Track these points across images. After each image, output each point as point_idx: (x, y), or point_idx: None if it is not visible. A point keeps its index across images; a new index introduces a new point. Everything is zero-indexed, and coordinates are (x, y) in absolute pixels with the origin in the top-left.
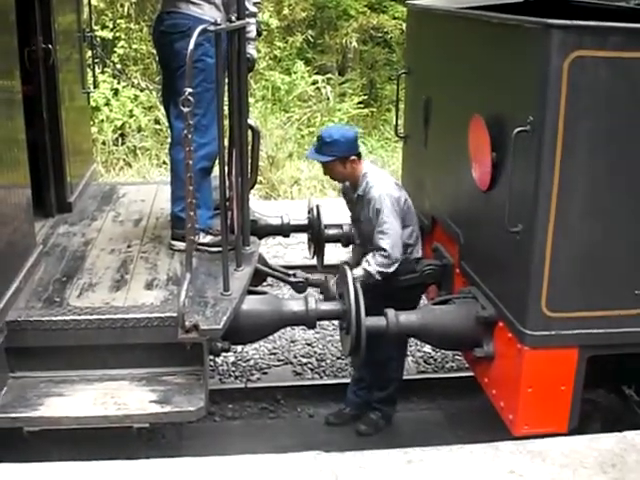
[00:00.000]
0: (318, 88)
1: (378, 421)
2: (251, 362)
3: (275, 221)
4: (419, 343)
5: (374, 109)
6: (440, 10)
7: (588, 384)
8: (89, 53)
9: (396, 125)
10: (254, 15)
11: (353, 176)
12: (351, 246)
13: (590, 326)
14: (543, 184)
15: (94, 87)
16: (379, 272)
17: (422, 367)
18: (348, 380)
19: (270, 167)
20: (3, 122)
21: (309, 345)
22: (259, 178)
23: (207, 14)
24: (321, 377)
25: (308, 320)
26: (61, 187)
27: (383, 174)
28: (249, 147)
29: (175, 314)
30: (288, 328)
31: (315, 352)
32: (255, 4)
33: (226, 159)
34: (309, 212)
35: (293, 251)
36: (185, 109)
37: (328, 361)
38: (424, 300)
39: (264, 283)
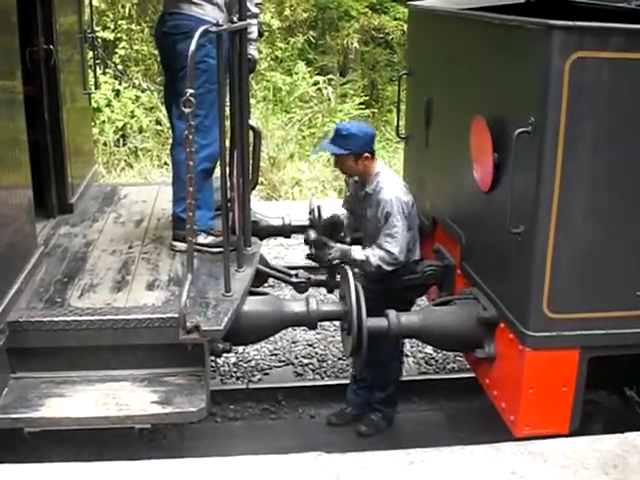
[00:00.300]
0: (319, 89)
1: (379, 422)
2: (252, 363)
3: (276, 222)
4: (420, 344)
5: (375, 110)
6: (441, 11)
7: (590, 385)
8: (90, 54)
9: (397, 126)
10: (256, 16)
11: (364, 173)
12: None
13: (591, 327)
14: (544, 185)
15: (95, 88)
16: (378, 266)
17: (423, 368)
18: (349, 381)
19: (271, 168)
20: (4, 123)
21: (310, 346)
22: (260, 179)
23: (209, 15)
24: (322, 378)
25: (309, 321)
26: (62, 188)
27: (394, 176)
28: (250, 148)
29: (176, 315)
30: (289, 329)
31: (316, 353)
32: (257, 5)
33: (227, 160)
34: (310, 213)
35: (294, 252)
36: (186, 110)
37: (329, 362)
38: (425, 301)
39: (265, 284)
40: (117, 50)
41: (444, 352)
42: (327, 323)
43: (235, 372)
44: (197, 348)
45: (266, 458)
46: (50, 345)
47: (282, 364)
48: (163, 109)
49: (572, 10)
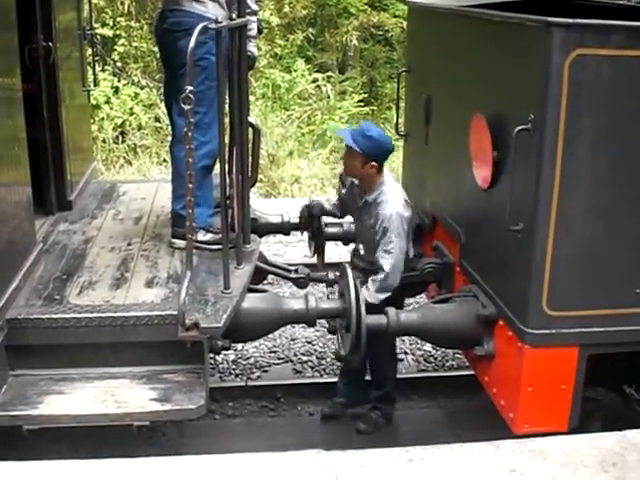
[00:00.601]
0: (318, 86)
1: (378, 419)
2: (251, 360)
3: (275, 219)
4: (419, 341)
5: (374, 107)
6: (441, 8)
7: (588, 383)
8: (89, 51)
9: (397, 123)
10: (255, 13)
11: (365, 179)
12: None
13: (591, 325)
14: (544, 182)
15: (94, 85)
16: (381, 299)
17: (422, 366)
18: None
19: (270, 165)
20: (3, 120)
21: (309, 343)
22: (259, 176)
23: (210, 12)
24: (321, 375)
25: (308, 318)
26: (61, 185)
27: (397, 189)
28: (250, 145)
29: (175, 312)
30: (288, 326)
31: (315, 350)
32: (256, 2)
33: (227, 157)
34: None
35: (293, 249)
36: (186, 107)
37: (328, 359)
38: (424, 299)
39: (264, 281)
40: (116, 47)
41: (443, 350)
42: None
43: (234, 369)
44: (196, 345)
45: (265, 455)
46: (49, 342)
47: (281, 361)
48: (162, 106)
49: (572, 7)
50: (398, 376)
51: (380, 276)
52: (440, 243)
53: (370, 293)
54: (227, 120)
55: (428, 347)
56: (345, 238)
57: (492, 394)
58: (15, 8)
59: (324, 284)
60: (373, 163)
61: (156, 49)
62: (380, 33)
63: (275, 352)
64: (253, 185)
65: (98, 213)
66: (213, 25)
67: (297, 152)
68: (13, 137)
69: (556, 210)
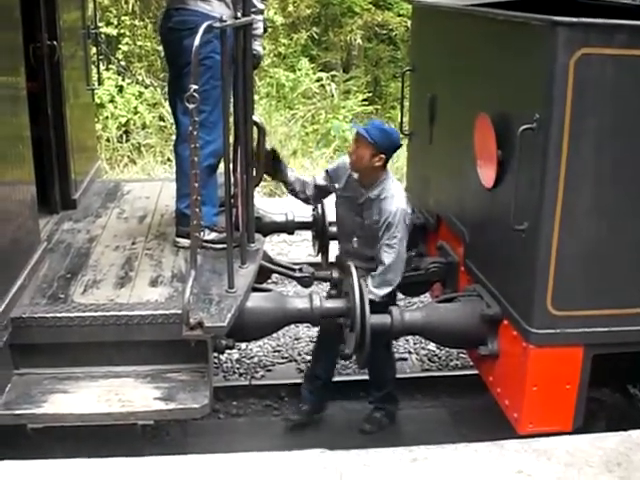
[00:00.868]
0: (322, 85)
1: (382, 419)
2: (255, 359)
3: (279, 218)
4: (423, 341)
5: (378, 106)
6: (445, 7)
7: (593, 383)
8: (94, 50)
9: (401, 122)
10: (261, 12)
11: (370, 173)
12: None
13: (595, 324)
14: (549, 182)
15: (99, 84)
16: (381, 295)
17: (426, 365)
18: (352, 378)
19: None
20: (8, 119)
21: (313, 342)
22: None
23: (216, 11)
24: None
25: (312, 317)
26: (65, 184)
27: (399, 185)
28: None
29: (180, 311)
30: (292, 325)
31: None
32: (262, 1)
33: (231, 156)
34: (314, 209)
35: (297, 248)
36: (190, 106)
37: None
38: (428, 298)
39: (269, 280)
40: (120, 46)
41: (447, 349)
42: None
43: (238, 368)
44: (200, 344)
45: (269, 455)
46: (53, 341)
47: (285, 361)
48: (167, 105)
49: (576, 6)
50: (402, 376)
51: (380, 269)
52: (444, 242)
53: (369, 289)
54: (232, 119)
55: (432, 346)
56: None
57: (496, 394)
58: (19, 6)
59: (328, 283)
60: (382, 155)
61: (160, 48)
62: (384, 32)
63: (279, 351)
64: (258, 184)
65: (102, 212)
66: (218, 24)
67: (301, 151)
68: (17, 136)
69: (561, 209)
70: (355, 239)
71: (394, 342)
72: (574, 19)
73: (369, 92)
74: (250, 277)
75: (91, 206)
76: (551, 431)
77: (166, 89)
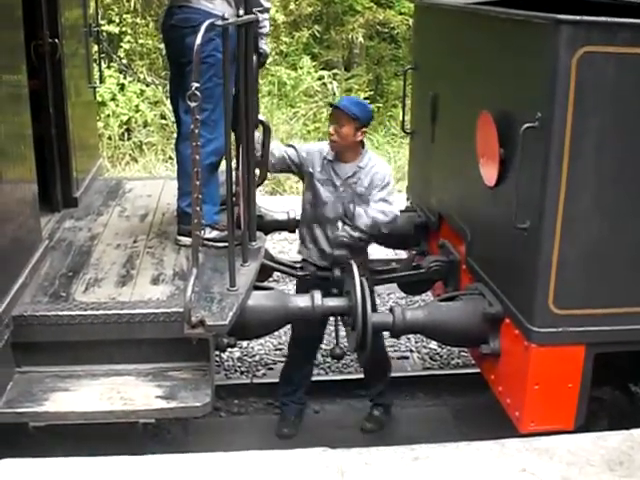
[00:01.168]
0: (324, 83)
1: (381, 416)
2: (257, 358)
3: (281, 216)
4: (425, 339)
5: (380, 105)
6: (447, 5)
7: (594, 381)
8: (95, 48)
9: (403, 121)
10: (267, 10)
11: (355, 147)
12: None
13: (597, 323)
14: (551, 180)
15: (100, 82)
16: (383, 221)
17: (428, 364)
18: (354, 376)
19: None
20: (9, 117)
21: None
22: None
23: (218, 9)
24: (327, 373)
25: (314, 316)
26: (67, 182)
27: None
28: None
29: (181, 309)
30: None
31: (320, 348)
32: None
33: (234, 154)
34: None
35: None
36: (192, 104)
37: None
38: (430, 296)
39: (270, 279)
40: (122, 44)
41: (449, 348)
42: (331, 318)
43: (239, 367)
44: (202, 343)
45: (271, 453)
46: (55, 339)
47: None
48: (168, 103)
49: (578, 5)
50: (404, 374)
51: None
52: (446, 241)
53: (372, 211)
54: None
55: (434, 345)
56: None
57: (498, 392)
58: (21, 4)
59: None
60: (364, 129)
61: (162, 46)
62: (386, 30)
63: (280, 350)
64: (262, 182)
65: (104, 210)
66: (220, 22)
67: None
68: (19, 134)
69: (563, 208)
70: (340, 223)
71: (395, 340)
72: (577, 17)
73: (371, 90)
74: (252, 275)
75: (93, 204)
76: (553, 430)
77: (167, 87)
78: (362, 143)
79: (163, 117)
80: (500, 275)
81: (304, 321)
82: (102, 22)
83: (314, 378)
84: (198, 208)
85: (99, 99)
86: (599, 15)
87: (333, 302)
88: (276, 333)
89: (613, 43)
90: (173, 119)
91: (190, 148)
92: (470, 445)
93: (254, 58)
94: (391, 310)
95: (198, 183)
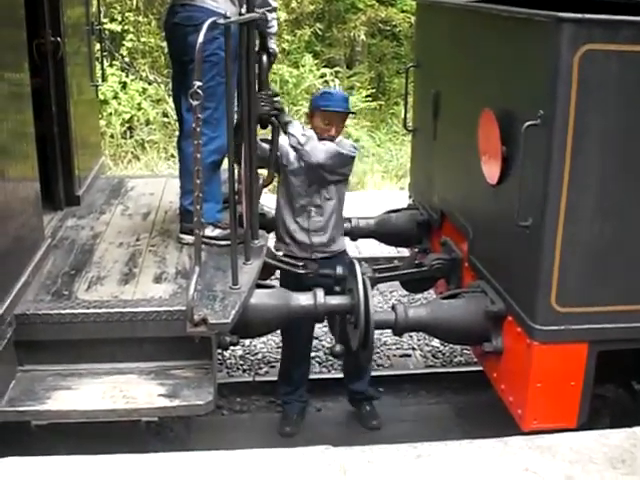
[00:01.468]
0: (326, 81)
1: (374, 410)
2: (259, 356)
3: None
4: (427, 337)
5: (382, 102)
6: (449, 3)
7: (597, 379)
8: (97, 46)
9: (405, 118)
10: (275, 10)
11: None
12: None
13: (600, 321)
14: (553, 178)
15: (102, 80)
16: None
17: (430, 361)
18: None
19: None
20: (12, 115)
21: (317, 339)
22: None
23: (221, 7)
24: (329, 371)
25: (316, 314)
26: (69, 180)
27: None
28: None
29: (184, 308)
30: None
31: (323, 346)
32: None
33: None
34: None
35: None
36: (194, 102)
37: None
38: (432, 294)
39: (272, 277)
40: (124, 42)
41: (451, 345)
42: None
43: (242, 365)
44: (204, 341)
45: (273, 451)
46: (57, 338)
47: None
48: (170, 101)
49: (579, 2)
50: (406, 372)
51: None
52: (448, 239)
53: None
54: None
55: (436, 343)
56: (353, 233)
57: (500, 390)
58: (24, 3)
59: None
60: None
61: (164, 44)
62: (388, 28)
63: None
64: (271, 182)
65: (106, 208)
66: (222, 20)
67: None
68: (21, 132)
69: (565, 206)
70: (313, 209)
71: (398, 338)
72: (578, 15)
73: (373, 88)
74: (254, 273)
75: (95, 202)
76: (555, 428)
77: (170, 85)
78: None
79: (165, 115)
80: (502, 273)
81: (304, 319)
82: (104, 20)
83: (316, 376)
84: (199, 206)
85: (101, 97)
86: (601, 13)
87: (336, 300)
88: (278, 331)
89: (615, 41)
90: (175, 117)
91: (192, 146)
92: (472, 443)
93: (264, 58)
94: (393, 308)
95: (199, 181)
